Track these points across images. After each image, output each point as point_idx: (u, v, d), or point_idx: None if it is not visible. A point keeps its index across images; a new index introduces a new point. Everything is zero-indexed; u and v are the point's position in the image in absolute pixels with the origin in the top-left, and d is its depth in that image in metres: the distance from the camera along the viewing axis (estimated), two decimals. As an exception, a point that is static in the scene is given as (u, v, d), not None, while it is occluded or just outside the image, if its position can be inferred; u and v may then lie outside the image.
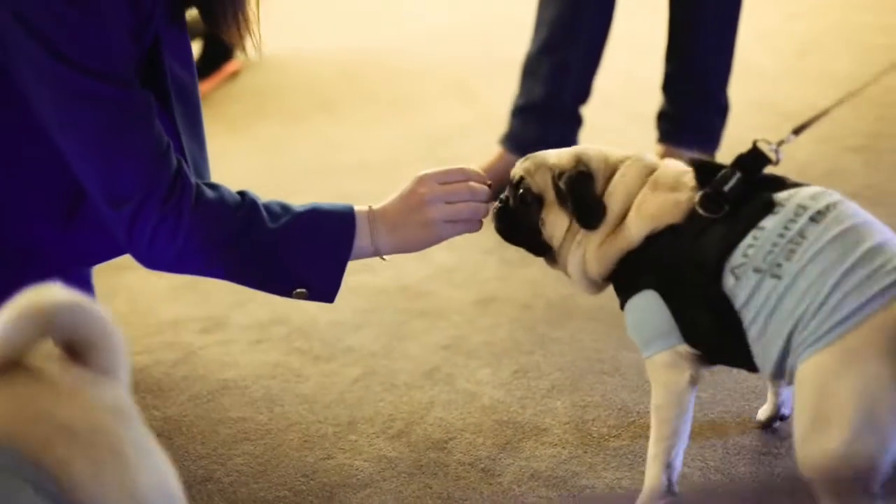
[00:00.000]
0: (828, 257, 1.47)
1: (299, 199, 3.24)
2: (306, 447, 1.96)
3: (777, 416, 1.94)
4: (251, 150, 3.81)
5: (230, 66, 4.51)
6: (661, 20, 3.19)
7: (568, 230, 1.73)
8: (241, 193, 1.75)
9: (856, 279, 1.44)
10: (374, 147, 3.79)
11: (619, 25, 3.20)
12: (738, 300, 1.54)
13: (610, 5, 3.10)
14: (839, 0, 5.43)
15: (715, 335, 1.60)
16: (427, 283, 2.61)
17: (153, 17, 1.69)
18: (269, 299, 1.91)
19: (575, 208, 1.70)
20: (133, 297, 2.59)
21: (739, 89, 3.37)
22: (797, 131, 1.70)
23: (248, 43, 1.78)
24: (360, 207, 1.80)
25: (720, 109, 3.19)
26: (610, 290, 1.76)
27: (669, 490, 1.67)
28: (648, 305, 1.64)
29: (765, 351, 1.53)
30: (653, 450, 1.67)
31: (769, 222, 1.54)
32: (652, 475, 1.67)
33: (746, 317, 1.54)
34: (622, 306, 1.70)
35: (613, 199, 1.69)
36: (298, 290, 1.76)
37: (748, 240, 1.54)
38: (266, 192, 3.32)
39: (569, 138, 3.22)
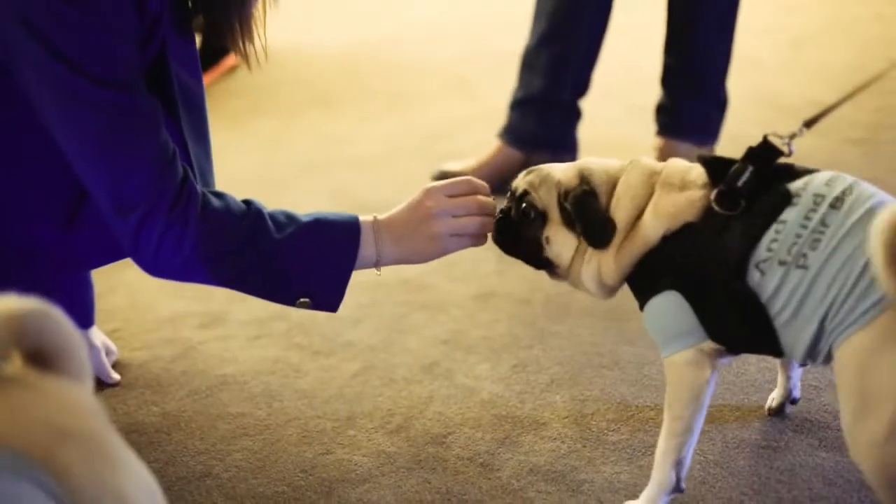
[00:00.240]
0: (853, 242, 1.48)
1: (297, 194, 3.26)
2: (305, 442, 1.96)
3: (789, 400, 1.95)
4: (250, 146, 3.81)
5: (228, 61, 4.50)
6: (660, 13, 3.19)
7: (577, 249, 1.72)
8: (247, 202, 1.75)
9: None
10: (372, 141, 3.79)
11: (619, 18, 3.20)
12: (765, 293, 1.54)
13: (608, -2, 3.10)
14: (835, -8, 5.43)
15: (742, 329, 1.59)
16: (426, 277, 2.61)
17: (160, 24, 1.69)
18: (267, 295, 1.90)
19: (583, 230, 1.69)
20: (132, 293, 2.59)
21: (737, 82, 3.37)
22: (808, 124, 1.69)
23: (251, 56, 1.77)
24: (364, 217, 1.80)
25: (719, 103, 3.19)
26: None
27: (677, 487, 1.67)
28: (670, 305, 1.62)
29: (796, 336, 1.54)
30: (664, 446, 1.66)
31: (789, 214, 1.54)
32: (661, 471, 1.66)
33: (774, 307, 1.54)
34: (641, 307, 1.68)
35: (620, 207, 1.68)
36: (302, 299, 1.76)
37: (770, 234, 1.54)
38: (265, 186, 3.33)
39: (568, 131, 3.22)
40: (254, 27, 1.75)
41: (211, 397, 2.13)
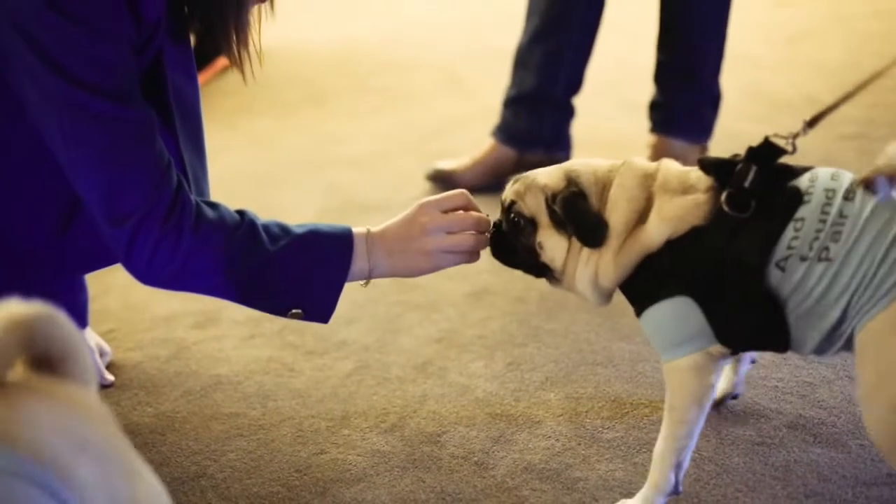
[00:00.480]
0: (872, 230, 1.51)
1: (292, 193, 3.25)
2: (299, 442, 1.96)
3: (730, 395, 1.98)
4: (244, 144, 3.80)
5: (222, 61, 4.48)
6: (652, 9, 3.18)
7: (569, 251, 1.71)
8: (241, 213, 1.75)
9: None
10: (366, 140, 3.79)
11: (611, 14, 3.20)
12: (786, 290, 1.55)
13: (601, -6, 3.10)
14: (830, -13, 5.43)
15: (756, 329, 1.60)
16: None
17: (157, 33, 1.69)
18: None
19: (575, 231, 1.68)
20: (126, 294, 2.58)
21: (731, 78, 3.37)
22: (811, 123, 1.69)
23: (246, 64, 1.77)
24: (358, 230, 1.80)
25: (712, 99, 3.18)
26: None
27: (675, 489, 1.66)
28: (677, 309, 1.61)
29: (814, 326, 1.56)
30: (663, 448, 1.66)
31: (805, 211, 1.55)
32: (659, 473, 1.66)
33: (793, 301, 1.55)
34: (639, 313, 1.67)
35: (617, 209, 1.66)
36: (294, 310, 1.76)
37: (790, 232, 1.55)
38: (259, 185, 3.32)
39: (561, 129, 3.22)
40: (249, 34, 1.75)
41: (205, 397, 2.12)
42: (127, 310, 2.52)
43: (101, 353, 2.21)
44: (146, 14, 1.64)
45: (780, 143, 1.63)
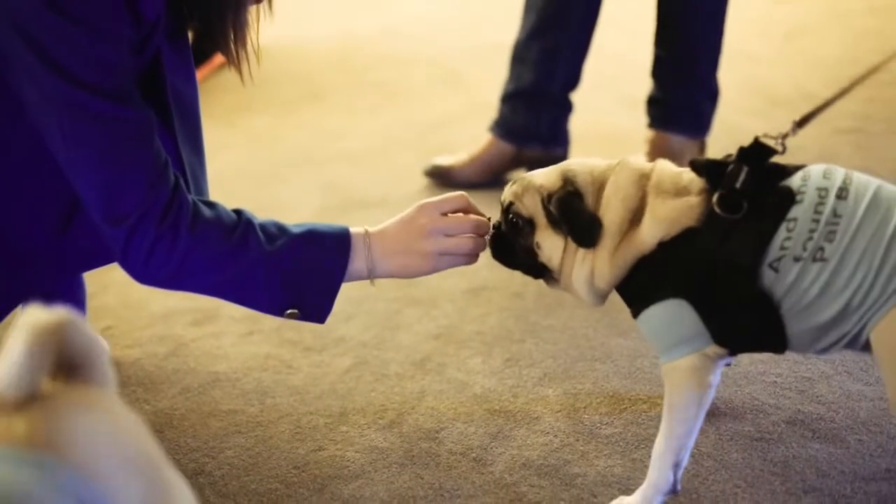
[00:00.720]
0: (870, 226, 1.52)
1: (290, 189, 3.25)
2: (297, 439, 1.96)
3: None
4: (242, 141, 3.80)
5: (220, 56, 4.48)
6: (650, 4, 3.18)
7: (565, 251, 1.71)
8: (238, 212, 1.75)
9: None
10: (365, 135, 3.78)
11: (609, 9, 3.19)
12: (779, 290, 1.55)
13: (598, -9, 3.10)
14: (827, -18, 5.43)
15: (753, 330, 1.60)
16: (418, 272, 2.60)
17: (155, 32, 1.68)
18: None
19: (570, 230, 1.68)
20: (123, 291, 2.58)
21: (729, 73, 3.37)
22: (800, 124, 1.69)
23: (244, 64, 1.77)
24: (356, 230, 1.80)
25: (710, 94, 3.18)
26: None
27: (674, 488, 1.66)
28: (671, 311, 1.61)
29: (808, 327, 1.56)
30: (662, 447, 1.66)
31: (797, 211, 1.55)
32: (658, 472, 1.66)
33: (787, 302, 1.55)
34: (635, 315, 1.67)
35: (610, 208, 1.66)
36: (290, 310, 1.76)
37: (782, 233, 1.55)
38: (258, 181, 3.32)
39: (559, 124, 3.22)
40: (247, 34, 1.75)
41: (203, 394, 2.12)
42: (125, 307, 2.52)
43: (100, 351, 2.21)
44: (145, 13, 1.64)
45: (770, 143, 1.63)
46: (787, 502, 1.69)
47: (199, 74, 4.24)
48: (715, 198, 1.60)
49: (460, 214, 1.83)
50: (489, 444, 1.91)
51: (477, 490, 1.77)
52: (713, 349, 1.62)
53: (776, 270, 1.55)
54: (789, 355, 2.11)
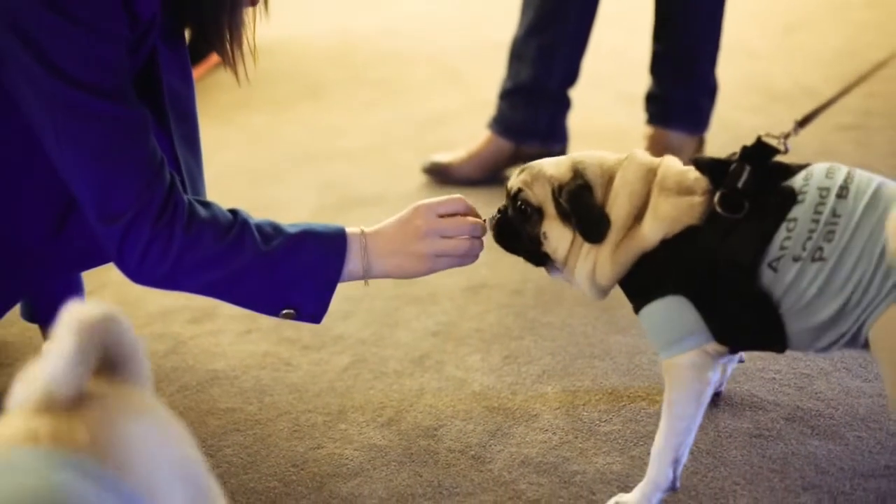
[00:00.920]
0: (868, 226, 1.52)
1: (289, 186, 3.25)
2: (296, 437, 1.95)
3: (714, 391, 1.97)
4: (240, 139, 3.79)
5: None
6: (648, 0, 3.17)
7: (572, 243, 1.71)
8: (233, 212, 1.74)
9: None
10: (363, 133, 3.78)
11: (607, 5, 3.19)
12: (778, 290, 1.55)
13: (596, -13, 3.09)
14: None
15: (752, 329, 1.60)
16: (416, 269, 2.59)
17: (150, 32, 1.68)
18: (255, 289, 1.89)
19: (579, 225, 1.68)
20: (121, 289, 2.58)
21: (727, 68, 3.36)
22: (802, 123, 1.69)
23: (240, 64, 1.76)
24: (352, 230, 1.79)
25: (709, 90, 3.18)
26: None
27: (673, 485, 1.66)
28: (672, 308, 1.62)
29: (807, 326, 1.57)
30: (661, 444, 1.65)
31: (798, 212, 1.55)
32: (658, 469, 1.66)
33: (786, 301, 1.55)
34: (636, 310, 1.68)
35: (617, 203, 1.67)
36: (286, 310, 1.76)
37: (782, 233, 1.55)
38: (256, 179, 3.31)
39: (557, 121, 3.21)
40: (244, 34, 1.74)
41: (201, 393, 2.12)
42: (123, 305, 2.51)
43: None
44: (141, 12, 1.63)
45: (773, 142, 1.63)
46: (785, 499, 1.69)
47: (196, 73, 4.22)
48: (716, 197, 1.60)
49: (457, 216, 1.82)
50: (488, 442, 1.90)
51: (476, 487, 1.77)
52: (713, 346, 1.62)
53: (775, 270, 1.55)
54: (788, 352, 2.10)
